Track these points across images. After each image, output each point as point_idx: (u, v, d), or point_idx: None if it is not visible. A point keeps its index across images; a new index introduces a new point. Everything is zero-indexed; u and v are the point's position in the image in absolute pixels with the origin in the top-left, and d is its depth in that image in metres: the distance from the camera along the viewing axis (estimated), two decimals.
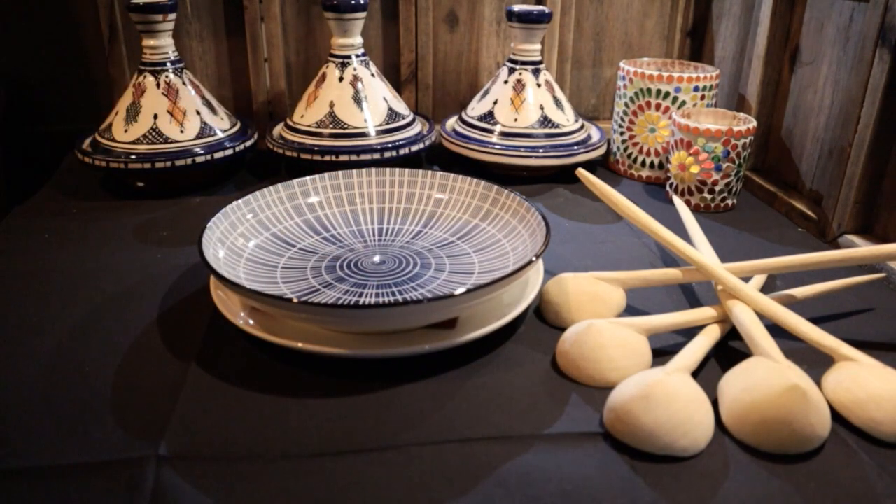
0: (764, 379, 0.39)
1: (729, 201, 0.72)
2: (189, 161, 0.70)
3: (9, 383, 0.43)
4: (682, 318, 0.48)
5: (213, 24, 0.87)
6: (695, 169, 0.70)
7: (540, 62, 0.80)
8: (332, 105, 0.76)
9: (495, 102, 0.80)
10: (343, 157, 0.73)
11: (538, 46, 0.79)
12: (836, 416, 0.41)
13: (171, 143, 0.71)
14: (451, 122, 0.85)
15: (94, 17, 0.83)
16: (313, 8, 0.88)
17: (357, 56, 0.77)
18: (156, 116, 0.72)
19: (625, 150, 0.80)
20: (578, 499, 0.35)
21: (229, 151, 0.73)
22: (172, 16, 0.73)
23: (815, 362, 0.44)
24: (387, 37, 0.90)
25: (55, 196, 0.73)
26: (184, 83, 0.74)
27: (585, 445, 0.39)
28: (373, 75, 0.78)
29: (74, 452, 0.38)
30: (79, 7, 0.85)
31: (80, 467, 0.37)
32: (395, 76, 0.91)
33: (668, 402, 0.38)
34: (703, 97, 0.76)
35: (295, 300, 0.46)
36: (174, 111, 0.72)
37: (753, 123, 0.69)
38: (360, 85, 0.77)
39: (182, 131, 0.72)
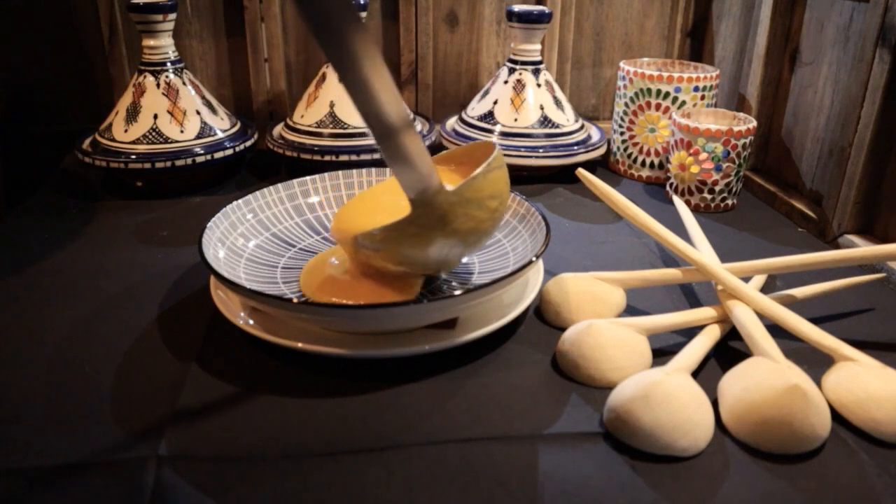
0: (764, 379, 0.39)
1: (729, 201, 0.71)
2: (189, 161, 0.70)
3: (9, 383, 0.43)
4: (682, 318, 0.48)
5: (213, 24, 0.87)
6: (695, 169, 0.70)
7: (540, 62, 0.80)
8: (332, 105, 0.76)
9: (495, 102, 0.79)
10: (343, 157, 0.73)
11: (538, 46, 0.79)
12: (836, 416, 0.41)
13: (171, 143, 0.71)
14: (451, 122, 0.85)
15: (94, 17, 0.83)
16: None
17: None
18: (156, 116, 0.72)
19: (625, 150, 0.80)
20: (578, 499, 0.35)
21: (229, 151, 0.73)
22: (172, 16, 0.73)
23: (815, 362, 0.44)
24: (387, 37, 0.90)
25: (55, 196, 0.73)
26: (184, 83, 0.74)
27: (585, 445, 0.39)
28: None
29: (74, 452, 0.38)
30: (79, 7, 0.85)
31: (80, 467, 0.37)
32: (395, 76, 0.91)
33: (668, 402, 0.38)
34: (703, 97, 0.76)
35: (295, 300, 0.46)
36: (174, 111, 0.72)
37: (753, 123, 0.69)
38: None
39: (182, 131, 0.72)
